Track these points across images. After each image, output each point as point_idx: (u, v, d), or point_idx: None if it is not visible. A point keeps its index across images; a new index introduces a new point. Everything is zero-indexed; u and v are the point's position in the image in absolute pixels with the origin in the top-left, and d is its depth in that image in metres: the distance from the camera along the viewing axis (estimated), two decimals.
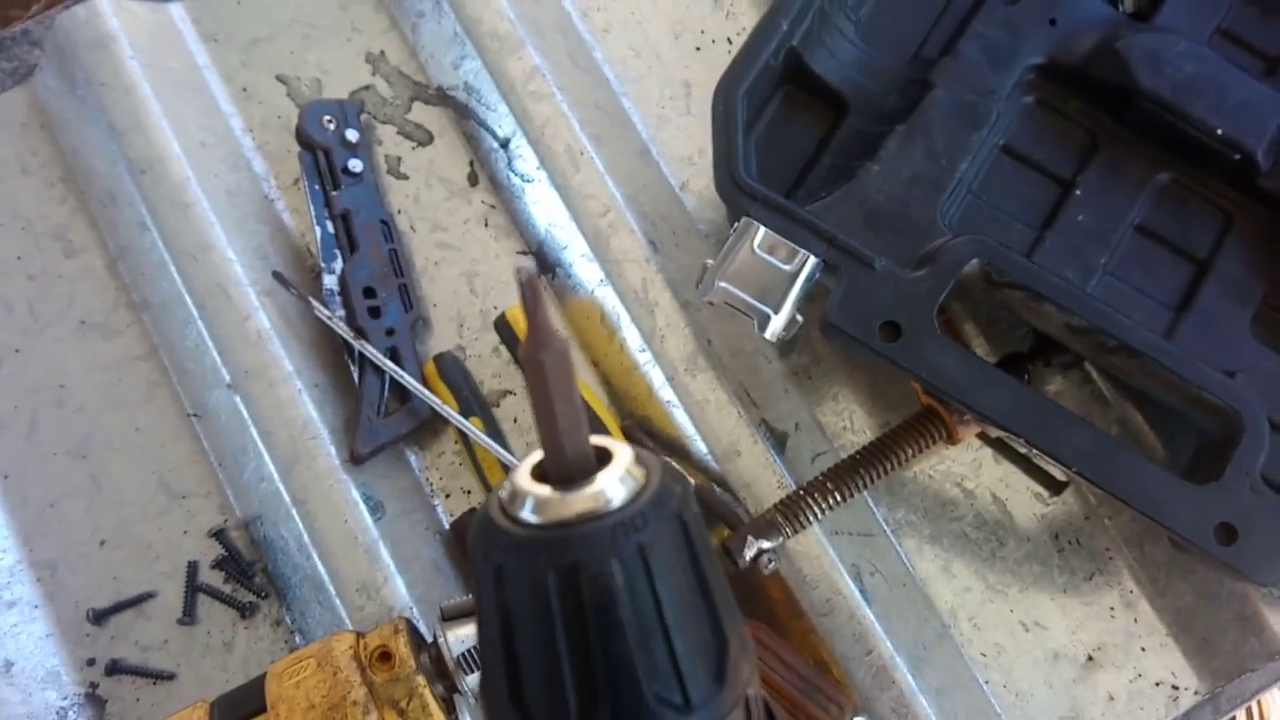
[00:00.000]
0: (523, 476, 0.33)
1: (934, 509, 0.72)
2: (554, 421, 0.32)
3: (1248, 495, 0.59)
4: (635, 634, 0.32)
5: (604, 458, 0.34)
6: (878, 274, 0.61)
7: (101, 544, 0.71)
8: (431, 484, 0.73)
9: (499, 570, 0.32)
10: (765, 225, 0.61)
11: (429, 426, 0.73)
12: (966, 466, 0.72)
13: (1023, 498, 0.72)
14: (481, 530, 0.33)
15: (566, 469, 0.32)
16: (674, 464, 0.74)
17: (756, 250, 0.61)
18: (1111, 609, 0.70)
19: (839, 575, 0.67)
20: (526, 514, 0.32)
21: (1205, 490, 0.59)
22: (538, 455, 0.34)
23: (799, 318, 0.62)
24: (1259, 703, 0.73)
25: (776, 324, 0.61)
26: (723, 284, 0.62)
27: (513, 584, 0.32)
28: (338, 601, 0.68)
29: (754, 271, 0.61)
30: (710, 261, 0.62)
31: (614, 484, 0.32)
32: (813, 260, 0.61)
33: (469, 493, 0.73)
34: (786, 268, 0.61)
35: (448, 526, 0.72)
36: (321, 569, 0.68)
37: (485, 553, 0.33)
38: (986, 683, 0.69)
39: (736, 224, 0.62)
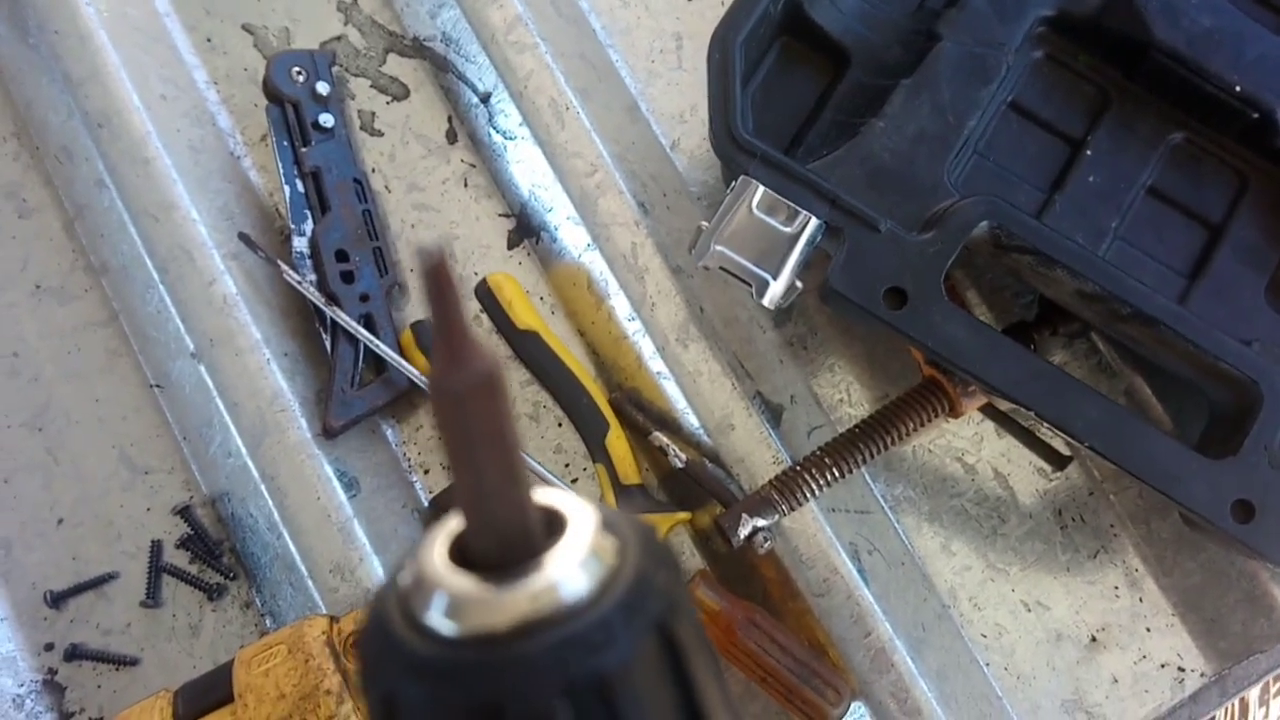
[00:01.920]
0: (434, 558, 0.23)
1: (934, 485, 0.69)
2: (478, 478, 0.22)
3: (1266, 471, 0.57)
4: None
5: (555, 526, 0.24)
6: (882, 237, 0.58)
7: (59, 522, 0.68)
8: (409, 459, 0.70)
9: (390, 701, 0.23)
10: (765, 184, 0.58)
11: (406, 398, 0.69)
12: (968, 441, 0.70)
13: (1025, 473, 0.69)
14: (371, 638, 0.24)
15: (497, 547, 0.23)
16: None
17: (755, 211, 0.58)
18: (1116, 588, 0.68)
19: (836, 554, 0.65)
20: (436, 619, 0.23)
21: (1222, 465, 0.57)
22: (456, 523, 0.24)
23: (799, 284, 0.59)
24: (1241, 699, 0.71)
25: (775, 290, 0.58)
26: (719, 247, 0.58)
27: None
28: (310, 583, 0.65)
29: (752, 234, 0.58)
30: (705, 224, 0.59)
31: (569, 571, 0.23)
32: (814, 222, 0.57)
33: (448, 468, 0.69)
34: (787, 230, 0.58)
35: (427, 504, 0.69)
36: (293, 548, 0.65)
37: (373, 673, 0.23)
38: (987, 665, 0.67)
39: (733, 184, 0.59)
